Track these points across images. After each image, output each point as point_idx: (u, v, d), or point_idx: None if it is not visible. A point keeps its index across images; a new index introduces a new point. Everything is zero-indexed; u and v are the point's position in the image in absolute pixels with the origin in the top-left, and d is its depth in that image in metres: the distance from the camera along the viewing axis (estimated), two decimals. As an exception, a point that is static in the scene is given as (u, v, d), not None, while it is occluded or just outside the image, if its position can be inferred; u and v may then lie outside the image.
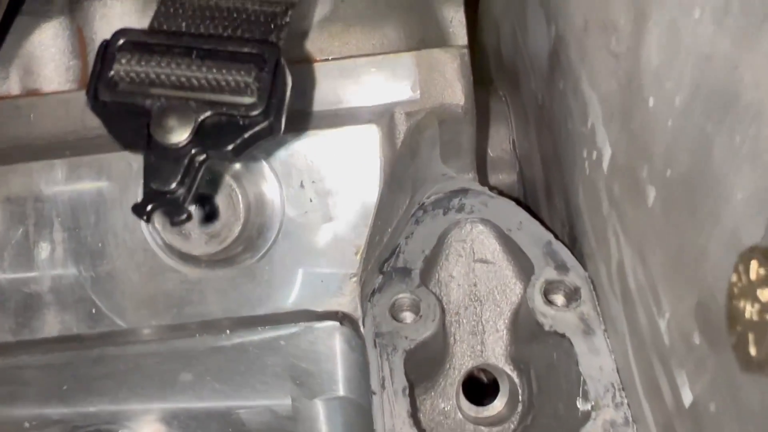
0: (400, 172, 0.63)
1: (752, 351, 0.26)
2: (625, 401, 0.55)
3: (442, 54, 0.63)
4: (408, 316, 0.64)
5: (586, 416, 0.55)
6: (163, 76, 0.42)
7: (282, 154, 0.60)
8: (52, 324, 0.63)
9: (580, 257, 0.65)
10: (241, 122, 0.41)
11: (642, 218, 0.48)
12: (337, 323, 0.63)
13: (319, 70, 0.62)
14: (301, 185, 0.60)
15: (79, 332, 0.63)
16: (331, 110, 0.62)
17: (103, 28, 0.64)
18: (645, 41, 0.44)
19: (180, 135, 0.41)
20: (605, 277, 0.59)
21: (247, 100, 0.42)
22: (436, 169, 0.67)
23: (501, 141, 0.97)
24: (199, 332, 0.63)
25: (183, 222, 0.42)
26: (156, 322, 0.63)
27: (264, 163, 0.60)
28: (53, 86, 0.67)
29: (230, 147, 0.41)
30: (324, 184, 0.61)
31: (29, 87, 0.66)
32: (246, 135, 0.41)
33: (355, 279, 0.62)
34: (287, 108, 0.43)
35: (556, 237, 0.66)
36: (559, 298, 0.63)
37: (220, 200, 0.57)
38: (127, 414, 0.65)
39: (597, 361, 0.57)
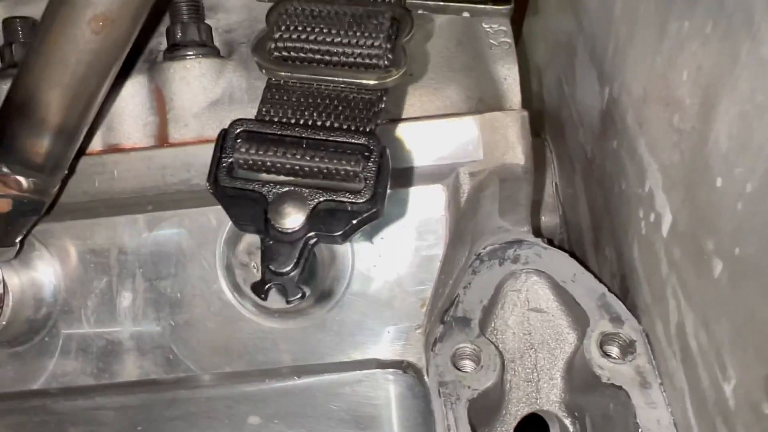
0: (463, 228, 0.67)
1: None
2: (684, 455, 0.57)
3: (504, 117, 0.66)
4: (468, 365, 0.67)
5: (645, 468, 0.57)
6: (278, 164, 0.45)
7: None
8: (131, 369, 0.66)
9: (632, 310, 0.68)
10: (349, 208, 0.45)
11: (706, 287, 0.51)
12: (400, 371, 0.66)
13: (388, 131, 0.66)
14: (371, 242, 0.64)
15: (156, 377, 0.66)
16: (399, 169, 0.65)
17: (183, 89, 0.68)
18: (713, 126, 0.47)
19: (295, 220, 0.44)
20: (662, 333, 0.61)
21: (356, 188, 0.45)
22: (493, 223, 0.70)
23: (544, 184, 1.00)
24: (268, 378, 0.67)
25: (298, 300, 0.45)
26: (229, 368, 0.66)
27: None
28: (131, 141, 0.71)
29: (340, 232, 0.45)
30: (392, 240, 0.64)
31: (110, 142, 0.70)
32: (354, 221, 0.45)
33: (419, 331, 0.65)
34: (388, 194, 0.46)
35: (609, 290, 0.69)
36: (614, 350, 0.66)
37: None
38: (199, 455, 0.68)
39: (654, 414, 0.60)
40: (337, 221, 0.45)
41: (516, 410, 0.71)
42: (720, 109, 0.46)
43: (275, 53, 0.50)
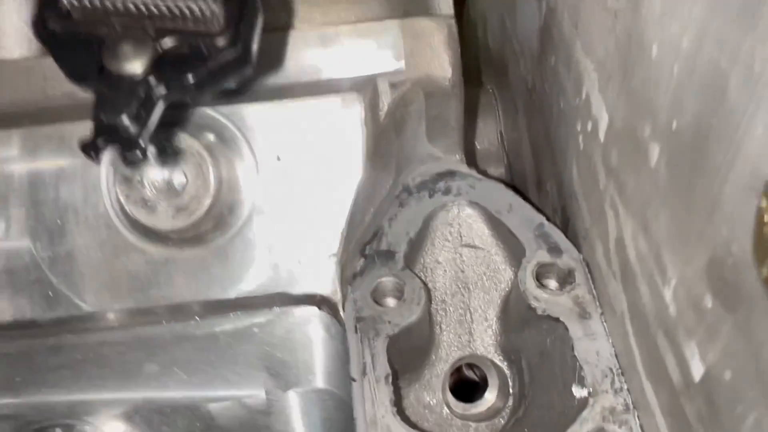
0: (384, 148, 0.60)
1: (790, 278, 0.23)
2: (625, 386, 0.51)
3: (429, 23, 0.59)
4: (391, 301, 0.60)
5: (583, 404, 0.51)
6: (119, 3, 0.38)
7: (257, 124, 0.56)
8: (4, 308, 0.58)
9: (573, 239, 0.61)
10: (205, 51, 0.37)
11: (644, 182, 0.44)
12: (315, 308, 0.59)
13: (300, 38, 0.59)
14: (278, 158, 0.57)
15: (35, 317, 0.58)
16: (311, 80, 0.58)
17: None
18: (647, -13, 0.41)
19: (136, 65, 0.37)
20: (602, 256, 0.55)
21: (213, 27, 0.38)
22: (421, 149, 0.64)
23: (489, 134, 0.94)
24: (165, 318, 0.59)
25: (138, 161, 0.37)
26: (119, 305, 0.58)
27: (238, 133, 0.56)
28: (15, 55, 0.63)
29: (192, 79, 0.37)
30: (303, 157, 0.57)
31: (-10, 56, 0.62)
32: (210, 65, 0.37)
33: (334, 259, 0.58)
34: (259, 40, 0.39)
35: (548, 219, 0.62)
36: (552, 282, 0.60)
37: (189, 170, 0.53)
38: (86, 407, 0.59)
39: (594, 346, 0.54)
40: (188, 66, 0.37)
41: (447, 354, 0.64)
42: (654, -36, 0.40)
43: None
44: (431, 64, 0.59)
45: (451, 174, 0.66)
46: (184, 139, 0.53)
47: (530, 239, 0.61)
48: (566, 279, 0.58)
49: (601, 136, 0.52)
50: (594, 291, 0.57)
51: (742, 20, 0.31)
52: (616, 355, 0.53)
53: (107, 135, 0.37)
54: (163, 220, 0.53)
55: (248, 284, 0.58)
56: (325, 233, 0.58)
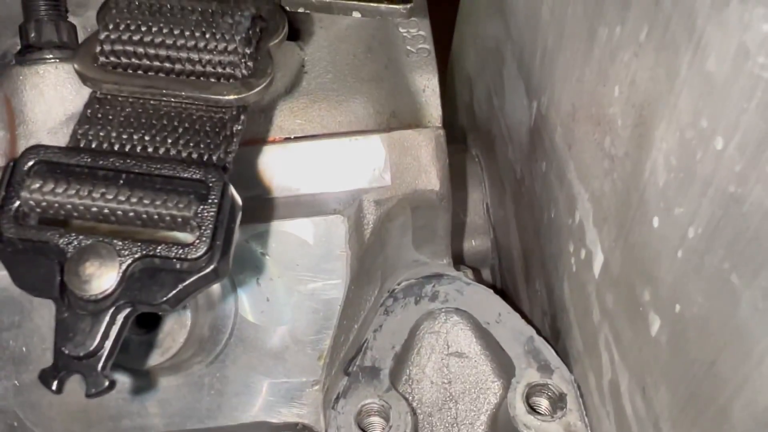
0: (369, 264, 0.57)
1: None
2: None
3: (416, 136, 0.57)
4: (376, 422, 0.58)
5: None
6: (82, 208, 0.35)
7: (233, 248, 0.53)
8: (-35, 440, 0.55)
9: (563, 354, 0.59)
10: (178, 266, 0.34)
11: (643, 345, 0.42)
12: (296, 435, 0.56)
13: (279, 151, 0.56)
14: (257, 283, 0.54)
15: (-2, 449, 0.55)
16: (291, 197, 0.55)
17: (35, 99, 0.57)
18: (649, 153, 0.39)
19: (100, 284, 0.34)
20: (595, 388, 0.53)
21: (186, 239, 0.35)
22: (407, 256, 0.61)
23: (475, 205, 0.92)
24: (138, 448, 0.56)
25: (103, 393, 0.34)
26: (89, 436, 0.55)
27: (215, 259, 0.53)
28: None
29: (164, 299, 0.34)
30: (282, 281, 0.54)
31: (-52, 163, 0.59)
32: (183, 285, 0.34)
33: (317, 387, 0.55)
34: (235, 243, 0.36)
35: (538, 332, 0.60)
36: (542, 402, 0.58)
37: (163, 306, 0.50)
38: None
39: (586, 483, 0.52)
40: (159, 285, 0.34)
41: (434, 472, 0.62)
42: (657, 134, 0.38)
43: (101, 58, 0.39)
44: (418, 178, 0.57)
45: (438, 277, 0.63)
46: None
47: (520, 355, 0.59)
48: (557, 402, 0.56)
49: (596, 271, 0.50)
50: (586, 419, 0.55)
51: (759, 249, 0.29)
52: (610, 497, 0.51)
53: (69, 367, 0.34)
54: (136, 357, 0.51)
55: (226, 413, 0.55)
56: (307, 359, 0.56)
